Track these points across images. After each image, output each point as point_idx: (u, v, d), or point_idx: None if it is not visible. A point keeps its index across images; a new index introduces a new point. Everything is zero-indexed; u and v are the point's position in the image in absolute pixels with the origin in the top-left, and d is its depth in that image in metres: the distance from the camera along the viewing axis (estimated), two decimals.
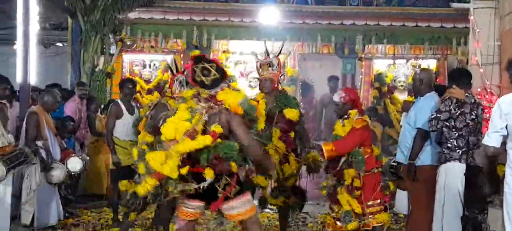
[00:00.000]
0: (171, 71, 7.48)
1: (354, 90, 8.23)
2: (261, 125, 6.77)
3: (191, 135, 5.11)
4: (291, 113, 7.11)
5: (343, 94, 6.80)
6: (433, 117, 6.09)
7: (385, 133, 11.37)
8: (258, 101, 6.82)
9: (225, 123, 5.28)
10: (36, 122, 7.70)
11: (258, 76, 7.33)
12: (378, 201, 6.69)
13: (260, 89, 7.26)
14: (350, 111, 6.71)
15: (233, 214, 5.44)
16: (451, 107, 6.05)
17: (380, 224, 6.69)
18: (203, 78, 5.38)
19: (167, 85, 12.08)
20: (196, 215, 5.49)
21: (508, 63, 5.25)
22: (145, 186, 5.16)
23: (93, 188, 10.10)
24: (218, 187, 5.27)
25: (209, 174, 5.17)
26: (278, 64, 7.23)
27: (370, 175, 6.64)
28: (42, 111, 7.82)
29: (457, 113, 6.04)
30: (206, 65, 5.41)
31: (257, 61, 7.23)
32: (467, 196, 5.87)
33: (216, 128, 5.19)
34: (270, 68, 7.16)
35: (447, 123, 6.06)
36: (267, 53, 7.29)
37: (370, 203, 6.62)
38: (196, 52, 5.64)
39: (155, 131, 6.42)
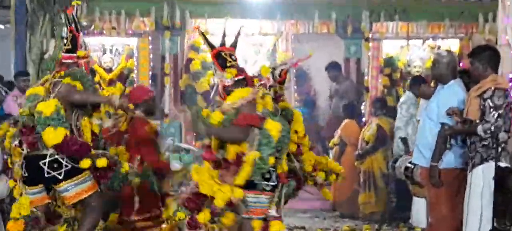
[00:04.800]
0: None
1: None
2: None
3: None
4: None
5: None
6: (494, 119, 5.97)
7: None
8: None
9: None
10: None
11: None
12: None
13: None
14: None
15: None
16: (501, 101, 6.01)
17: None
18: None
19: (132, 75, 12.08)
20: None
21: None
22: None
23: None
24: None
25: None
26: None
27: None
28: None
29: (504, 106, 6.02)
30: None
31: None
32: (496, 203, 5.85)
33: None
34: None
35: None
36: None
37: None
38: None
39: None
